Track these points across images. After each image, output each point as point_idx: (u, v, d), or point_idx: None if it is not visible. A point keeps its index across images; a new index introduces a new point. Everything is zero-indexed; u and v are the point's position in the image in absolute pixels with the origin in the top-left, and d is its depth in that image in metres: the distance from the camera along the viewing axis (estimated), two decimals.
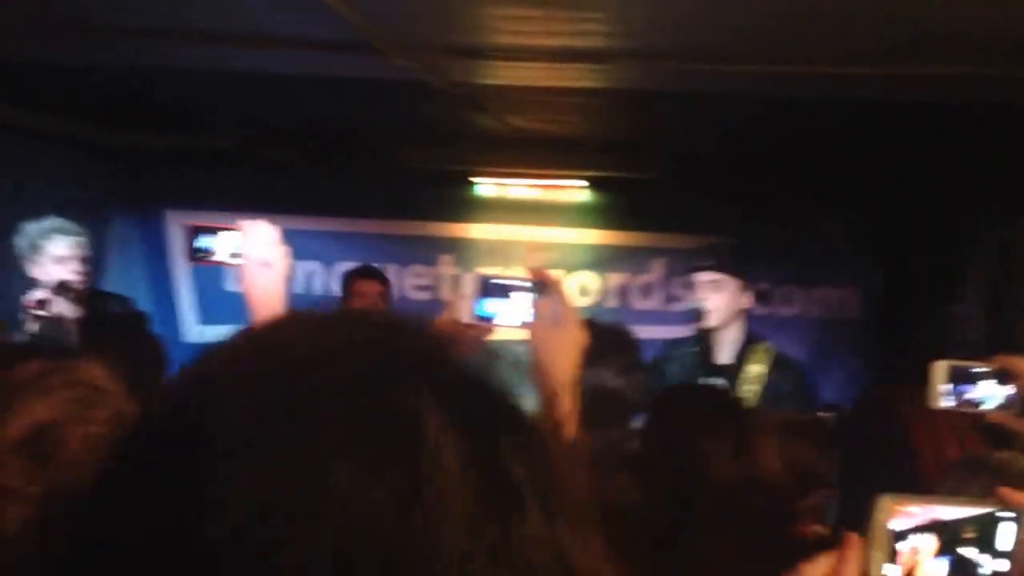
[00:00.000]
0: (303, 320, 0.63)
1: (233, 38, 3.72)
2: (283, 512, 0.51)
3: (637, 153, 5.42)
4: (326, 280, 5.97)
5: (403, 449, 0.54)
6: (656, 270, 5.80)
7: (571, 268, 5.86)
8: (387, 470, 0.53)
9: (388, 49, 3.57)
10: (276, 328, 0.63)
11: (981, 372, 1.73)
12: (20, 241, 4.30)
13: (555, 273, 1.73)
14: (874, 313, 5.56)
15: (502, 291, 1.72)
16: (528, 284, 1.71)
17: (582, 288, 5.86)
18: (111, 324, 3.49)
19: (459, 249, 5.94)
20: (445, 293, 5.79)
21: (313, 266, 5.97)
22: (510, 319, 1.72)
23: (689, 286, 5.58)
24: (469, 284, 1.72)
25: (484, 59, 3.71)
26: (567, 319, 1.62)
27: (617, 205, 5.82)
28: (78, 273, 4.20)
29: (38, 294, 4.14)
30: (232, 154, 5.73)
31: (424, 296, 5.96)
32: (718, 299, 3.94)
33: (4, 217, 5.53)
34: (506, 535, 0.54)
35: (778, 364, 3.91)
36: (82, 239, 4.32)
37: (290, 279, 2.00)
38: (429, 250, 5.93)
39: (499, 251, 5.90)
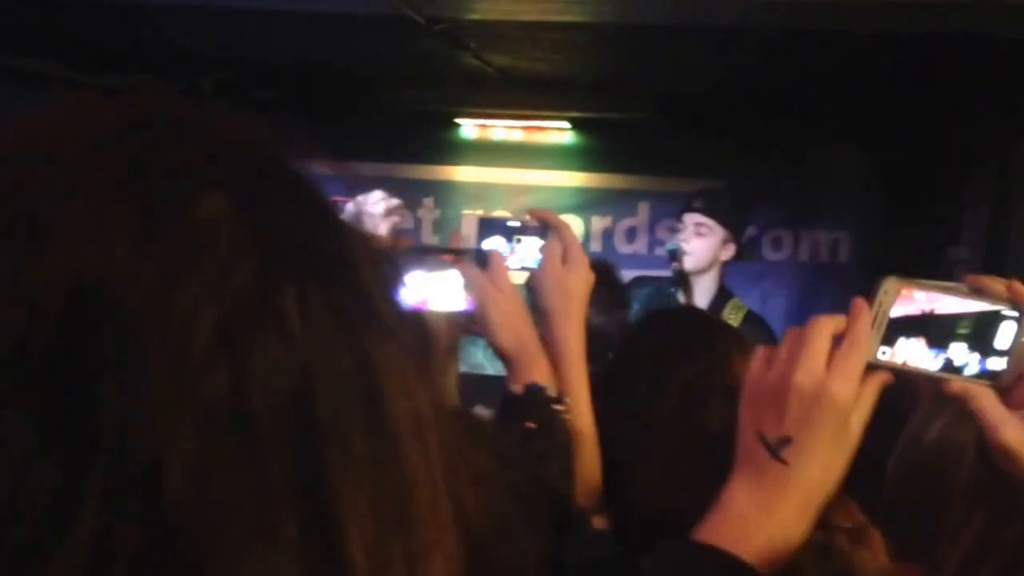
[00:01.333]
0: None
1: None
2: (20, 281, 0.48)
3: (623, 93, 5.31)
4: None
5: (174, 219, 0.50)
6: (641, 213, 5.71)
7: (555, 211, 5.74)
8: (153, 238, 0.49)
9: None
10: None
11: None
12: None
13: (557, 216, 1.66)
14: (868, 257, 5.47)
15: (506, 233, 1.64)
16: (533, 226, 1.64)
17: None
18: None
19: (441, 191, 5.83)
20: (428, 236, 5.71)
21: None
22: (515, 262, 1.65)
23: (675, 229, 5.52)
24: (469, 226, 1.61)
25: None
26: (576, 260, 1.58)
27: (602, 146, 5.70)
28: None
29: None
30: (207, 95, 5.58)
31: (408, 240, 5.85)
32: (699, 244, 3.89)
33: None
34: (285, 302, 0.50)
35: (749, 322, 3.85)
36: None
37: None
38: (410, 192, 5.80)
39: (482, 194, 5.80)
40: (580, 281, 1.58)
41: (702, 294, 3.91)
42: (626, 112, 5.37)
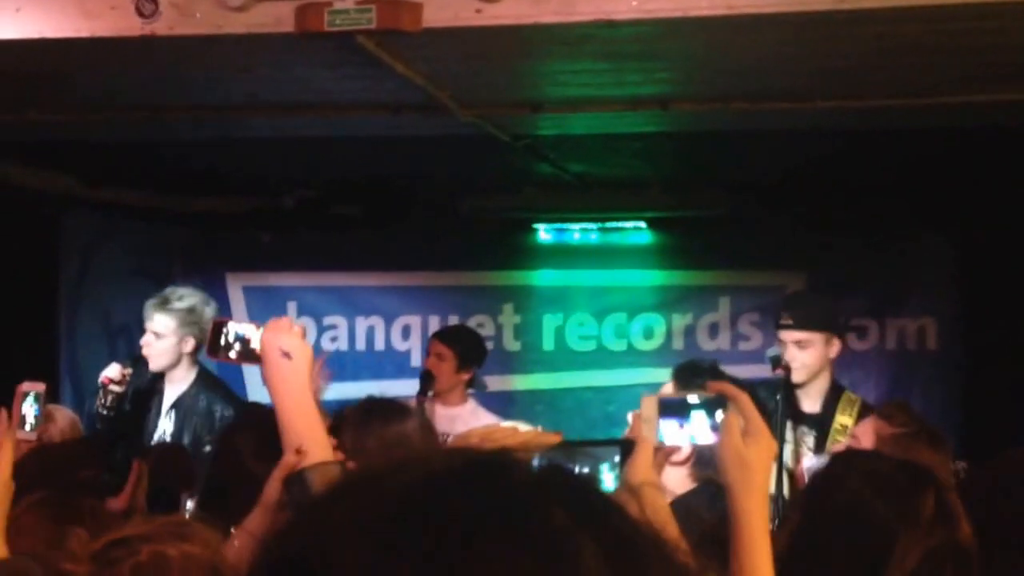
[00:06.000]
0: (413, 460, 0.64)
1: (299, 107, 3.74)
2: None
3: (699, 191, 5.36)
4: (388, 335, 5.97)
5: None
6: (722, 309, 5.72)
7: (635, 311, 5.79)
8: None
9: (453, 107, 3.57)
10: (386, 468, 0.63)
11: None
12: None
13: (736, 387, 1.69)
14: (954, 344, 5.41)
15: (683, 410, 1.68)
16: (710, 398, 1.67)
17: (647, 331, 5.80)
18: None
19: (520, 296, 5.91)
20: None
21: (375, 321, 5.97)
22: (696, 438, 1.70)
23: (758, 325, 5.52)
24: (648, 407, 1.67)
25: (549, 111, 3.70)
26: (757, 432, 1.58)
27: (679, 244, 5.72)
28: (172, 350, 4.12)
29: (113, 370, 4.06)
30: (292, 214, 5.76)
31: (487, 346, 5.91)
32: (805, 357, 3.78)
33: (75, 288, 5.64)
34: None
35: (864, 414, 3.76)
36: (189, 309, 4.10)
37: (317, 371, 1.98)
38: (491, 299, 5.90)
39: (561, 297, 5.87)
40: (761, 453, 1.58)
41: (815, 395, 3.87)
42: (702, 209, 5.40)
